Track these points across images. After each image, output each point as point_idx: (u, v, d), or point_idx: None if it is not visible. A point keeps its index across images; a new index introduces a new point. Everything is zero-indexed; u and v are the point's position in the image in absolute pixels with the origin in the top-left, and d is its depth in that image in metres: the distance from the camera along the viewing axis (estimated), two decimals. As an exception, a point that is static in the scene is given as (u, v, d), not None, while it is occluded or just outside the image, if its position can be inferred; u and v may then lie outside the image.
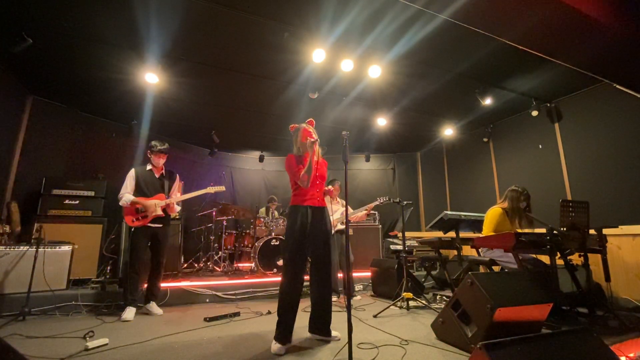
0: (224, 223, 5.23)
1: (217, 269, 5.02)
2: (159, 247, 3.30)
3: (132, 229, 3.19)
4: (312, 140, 2.39)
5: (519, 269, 2.83)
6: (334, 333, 2.42)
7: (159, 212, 3.27)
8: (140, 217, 3.19)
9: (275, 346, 2.17)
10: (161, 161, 3.40)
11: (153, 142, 3.37)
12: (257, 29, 3.15)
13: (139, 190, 3.25)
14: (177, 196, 3.42)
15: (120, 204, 3.19)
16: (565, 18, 2.11)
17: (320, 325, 2.41)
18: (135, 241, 3.17)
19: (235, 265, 5.25)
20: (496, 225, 3.25)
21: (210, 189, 3.62)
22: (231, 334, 2.58)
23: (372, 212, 5.46)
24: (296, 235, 2.34)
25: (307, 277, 2.46)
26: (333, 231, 3.92)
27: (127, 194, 3.18)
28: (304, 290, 3.94)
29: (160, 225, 3.32)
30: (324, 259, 2.41)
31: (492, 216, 3.31)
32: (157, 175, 3.39)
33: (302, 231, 2.35)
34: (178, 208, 3.48)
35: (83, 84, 4.18)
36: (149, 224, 3.23)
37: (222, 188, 3.72)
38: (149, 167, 3.39)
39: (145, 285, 3.32)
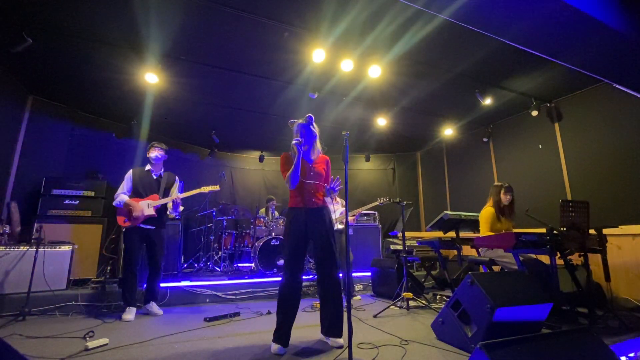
0: (224, 223, 5.23)
1: (217, 269, 5.02)
2: (154, 249, 3.27)
3: (124, 230, 3.19)
4: (293, 142, 2.33)
5: (519, 269, 2.84)
6: (341, 340, 2.26)
7: (150, 212, 3.21)
8: (132, 218, 3.16)
9: (274, 346, 2.17)
10: (157, 157, 3.34)
11: (151, 142, 3.41)
12: (257, 29, 3.15)
13: (135, 191, 3.24)
14: (171, 197, 3.37)
15: (114, 204, 3.20)
16: (566, 18, 2.10)
17: (326, 326, 2.34)
18: (128, 242, 3.17)
19: (235, 265, 5.26)
20: (491, 225, 3.36)
21: (204, 189, 3.51)
22: (231, 334, 2.58)
23: (372, 212, 5.48)
24: (292, 238, 2.32)
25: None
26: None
27: (121, 195, 3.18)
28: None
29: (153, 227, 3.26)
30: (325, 261, 2.34)
31: (485, 217, 3.41)
32: (154, 176, 3.38)
33: (297, 233, 2.32)
34: (180, 208, 3.42)
35: (83, 84, 4.18)
36: (142, 225, 3.19)
37: (217, 187, 3.59)
38: (147, 167, 3.38)
39: (145, 286, 3.31)
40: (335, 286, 2.34)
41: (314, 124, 2.46)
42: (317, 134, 2.50)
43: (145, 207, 3.20)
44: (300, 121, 2.46)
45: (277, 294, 2.31)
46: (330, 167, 2.57)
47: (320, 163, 2.50)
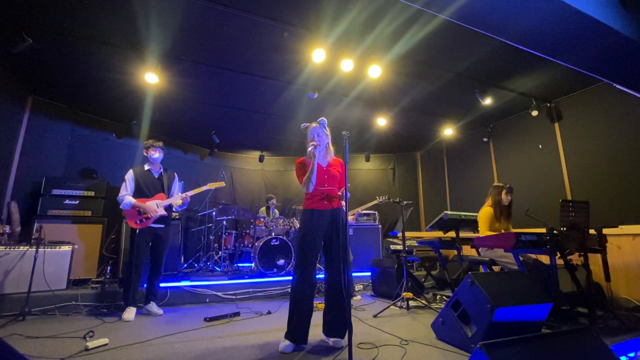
0: (224, 223, 5.23)
1: (217, 269, 5.02)
2: (160, 248, 3.31)
3: (138, 231, 3.15)
4: (310, 148, 2.34)
5: (519, 269, 2.84)
6: (342, 341, 2.28)
7: (162, 212, 3.27)
8: (143, 219, 3.18)
9: (283, 343, 2.17)
10: (158, 157, 3.40)
11: (146, 141, 3.41)
12: (257, 29, 3.15)
13: (139, 192, 3.24)
14: (178, 195, 3.42)
15: (122, 207, 3.18)
16: (566, 18, 2.10)
17: (328, 327, 2.34)
18: (138, 243, 3.14)
19: (235, 265, 5.25)
20: (490, 225, 3.39)
21: (211, 185, 3.64)
22: (231, 334, 2.58)
23: (372, 212, 5.48)
24: (304, 239, 2.32)
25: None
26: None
27: (127, 197, 3.16)
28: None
29: (163, 226, 3.33)
30: (331, 263, 2.36)
31: (484, 217, 3.43)
32: (155, 175, 3.39)
33: (310, 234, 2.32)
34: (185, 205, 3.49)
35: (83, 84, 4.17)
36: (152, 225, 3.23)
37: (222, 184, 3.81)
38: (146, 167, 3.39)
39: (145, 286, 3.31)
40: (337, 287, 2.33)
41: (326, 127, 2.50)
42: (330, 136, 2.53)
43: (156, 207, 3.23)
44: (314, 125, 2.47)
45: (290, 293, 2.31)
46: (345, 171, 2.50)
47: (335, 166, 2.52)
